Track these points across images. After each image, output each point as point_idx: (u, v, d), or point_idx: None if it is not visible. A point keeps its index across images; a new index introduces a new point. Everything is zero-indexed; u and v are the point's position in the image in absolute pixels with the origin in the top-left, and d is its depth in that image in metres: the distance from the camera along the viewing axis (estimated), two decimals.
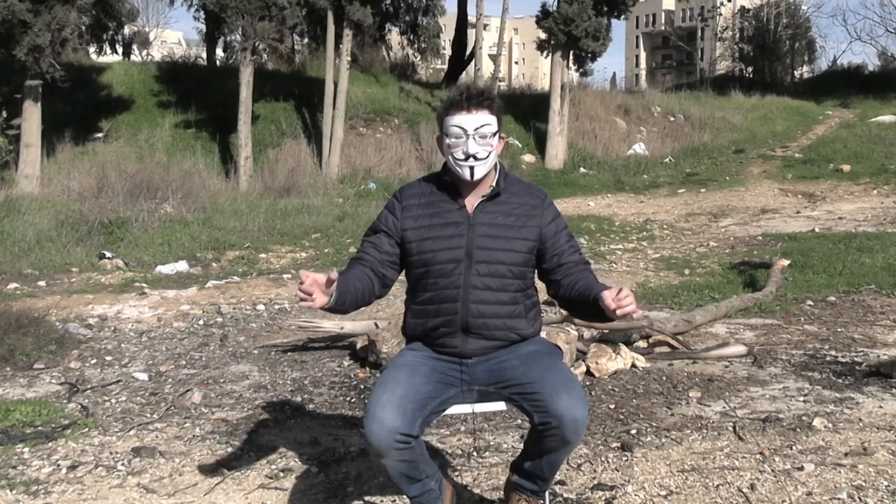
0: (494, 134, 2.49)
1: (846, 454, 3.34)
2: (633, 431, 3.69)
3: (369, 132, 18.59)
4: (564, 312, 5.20)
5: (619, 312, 2.25)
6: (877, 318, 5.98)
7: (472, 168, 2.46)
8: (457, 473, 3.24)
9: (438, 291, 2.50)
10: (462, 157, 2.46)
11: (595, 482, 3.13)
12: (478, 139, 2.45)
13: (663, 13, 73.79)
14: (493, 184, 2.55)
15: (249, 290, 7.47)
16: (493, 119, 2.48)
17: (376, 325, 5.02)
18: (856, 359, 4.90)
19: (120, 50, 28.63)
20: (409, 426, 2.30)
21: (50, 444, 3.59)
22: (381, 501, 3.02)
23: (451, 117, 2.47)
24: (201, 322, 6.20)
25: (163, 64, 21.85)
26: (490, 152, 2.48)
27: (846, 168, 16.33)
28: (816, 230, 10.74)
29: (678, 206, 14.09)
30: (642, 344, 5.21)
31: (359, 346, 5.05)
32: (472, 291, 2.47)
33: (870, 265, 7.83)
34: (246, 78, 15.85)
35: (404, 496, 2.87)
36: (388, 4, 24.83)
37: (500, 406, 2.63)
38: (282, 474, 3.26)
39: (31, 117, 13.53)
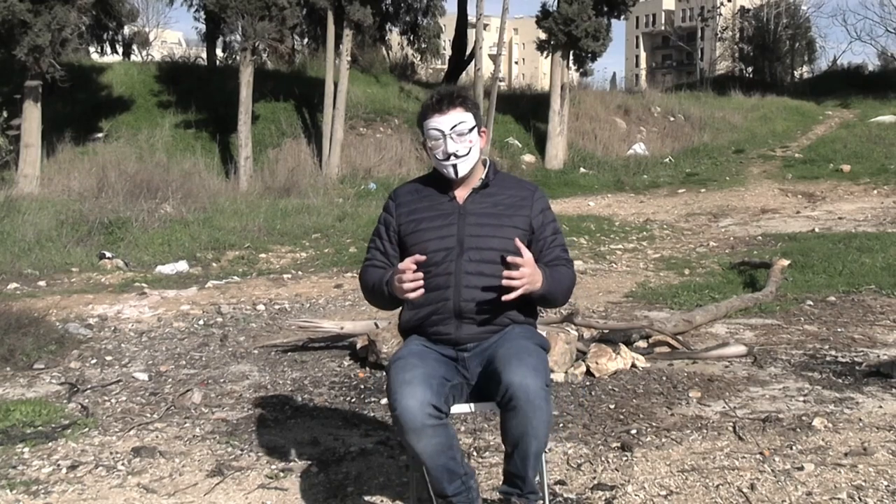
0: (472, 129, 2.56)
1: (846, 454, 3.34)
2: (633, 431, 3.69)
3: (369, 132, 18.59)
4: (564, 312, 5.20)
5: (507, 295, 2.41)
6: (877, 318, 5.98)
7: (454, 166, 2.55)
8: None
9: (431, 279, 2.52)
10: (443, 157, 2.55)
11: (595, 482, 3.13)
12: (455, 137, 2.53)
13: (663, 13, 73.78)
14: (483, 177, 2.64)
15: (249, 290, 7.48)
16: (467, 116, 2.56)
17: (376, 325, 5.02)
18: (856, 359, 4.90)
19: (120, 50, 28.62)
20: (439, 399, 2.32)
21: (50, 444, 3.59)
22: (381, 501, 3.02)
23: (428, 121, 2.56)
24: (201, 322, 6.20)
25: (163, 64, 21.84)
26: (470, 148, 2.56)
27: (846, 168, 16.33)
28: (816, 230, 10.74)
29: (678, 206, 14.09)
30: (642, 344, 5.21)
31: (359, 346, 5.05)
32: (464, 277, 2.52)
33: (870, 265, 7.83)
34: (246, 78, 15.84)
35: (405, 496, 2.87)
36: (388, 4, 24.80)
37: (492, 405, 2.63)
38: (282, 474, 3.26)
39: (31, 117, 13.52)
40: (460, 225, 2.55)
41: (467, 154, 2.54)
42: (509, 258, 2.39)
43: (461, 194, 2.61)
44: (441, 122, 2.53)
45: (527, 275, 2.39)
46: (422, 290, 2.42)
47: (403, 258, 2.59)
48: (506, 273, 2.39)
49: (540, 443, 2.38)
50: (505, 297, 2.41)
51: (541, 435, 2.36)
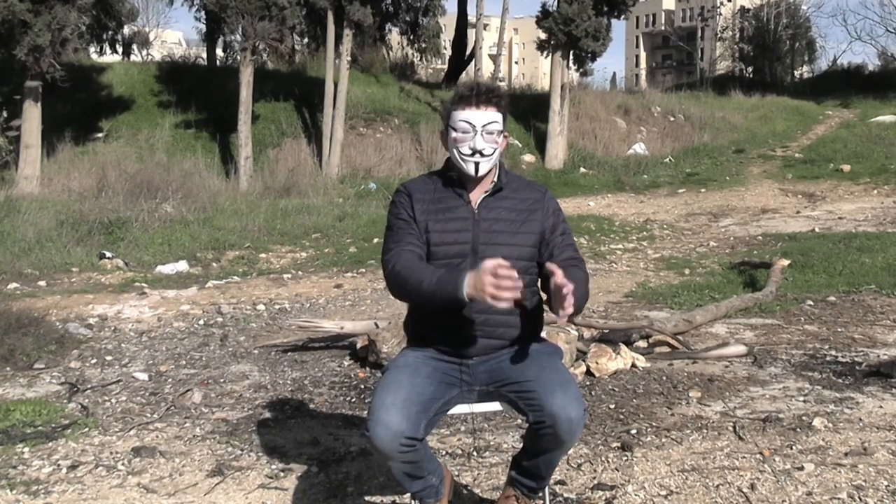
0: (500, 132, 2.50)
1: (846, 454, 3.35)
2: (633, 431, 3.69)
3: (369, 132, 18.58)
4: None
5: (560, 316, 2.23)
6: (877, 318, 5.98)
7: (477, 164, 2.47)
8: (457, 473, 3.24)
9: None
10: (468, 152, 2.47)
11: (595, 482, 3.13)
12: (485, 135, 2.46)
13: (663, 13, 73.79)
14: (495, 179, 2.56)
15: (249, 290, 7.48)
16: (499, 117, 2.50)
17: (376, 325, 5.02)
18: (856, 359, 4.90)
19: (120, 50, 28.63)
20: (414, 429, 2.30)
21: (50, 444, 3.59)
22: (381, 501, 3.03)
23: (460, 112, 2.48)
24: (201, 322, 6.20)
25: (163, 64, 21.84)
26: (495, 149, 2.50)
27: (846, 168, 16.32)
28: (816, 230, 10.73)
29: (678, 206, 14.08)
30: (642, 344, 5.21)
31: (359, 346, 5.05)
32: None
33: (870, 265, 7.83)
34: (246, 78, 15.84)
35: (405, 496, 2.88)
36: (388, 4, 24.83)
37: (496, 406, 2.63)
38: (282, 474, 3.26)
39: (31, 118, 13.52)
40: (475, 232, 2.49)
41: (492, 154, 2.48)
42: (564, 290, 2.20)
43: (474, 197, 2.54)
44: (475, 116, 2.46)
45: (572, 290, 2.24)
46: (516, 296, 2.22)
47: None
48: (565, 303, 2.21)
49: (566, 452, 2.49)
50: (562, 315, 2.23)
51: (570, 449, 2.49)
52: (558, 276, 2.23)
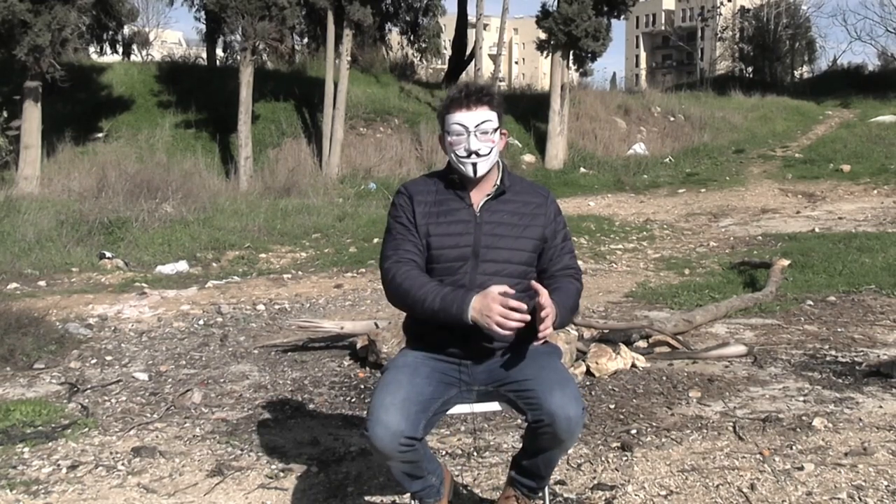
0: (495, 130, 2.50)
1: (846, 454, 3.35)
2: (633, 431, 3.69)
3: (369, 132, 18.58)
4: None
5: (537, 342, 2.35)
6: (877, 318, 5.98)
7: (474, 165, 2.48)
8: (457, 474, 3.24)
9: None
10: (464, 154, 2.47)
11: (595, 482, 3.13)
12: (479, 135, 2.46)
13: (663, 13, 73.80)
14: (498, 182, 2.56)
15: (249, 290, 7.48)
16: (493, 115, 2.50)
17: (376, 325, 5.02)
18: (856, 359, 4.90)
19: (120, 50, 28.62)
20: (413, 429, 2.30)
21: (50, 444, 3.59)
22: (381, 501, 3.03)
23: (452, 115, 2.49)
24: (201, 322, 6.20)
25: (163, 64, 21.85)
26: (492, 148, 2.49)
27: (846, 168, 16.33)
28: (816, 230, 10.74)
29: (678, 206, 14.08)
30: (642, 344, 5.21)
31: (359, 346, 5.05)
32: (477, 291, 2.46)
33: (870, 265, 7.83)
34: (246, 78, 15.84)
35: (404, 496, 2.88)
36: (388, 4, 24.82)
37: (496, 406, 2.63)
38: (282, 474, 3.26)
39: (31, 118, 13.52)
40: (476, 235, 2.49)
41: (489, 154, 2.48)
42: (543, 313, 2.27)
43: (476, 199, 2.54)
44: (466, 118, 2.46)
45: (552, 315, 2.31)
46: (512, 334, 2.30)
47: None
48: (542, 326, 2.28)
49: (566, 452, 2.50)
50: (536, 344, 2.35)
51: (569, 448, 2.50)
52: (542, 297, 2.29)
